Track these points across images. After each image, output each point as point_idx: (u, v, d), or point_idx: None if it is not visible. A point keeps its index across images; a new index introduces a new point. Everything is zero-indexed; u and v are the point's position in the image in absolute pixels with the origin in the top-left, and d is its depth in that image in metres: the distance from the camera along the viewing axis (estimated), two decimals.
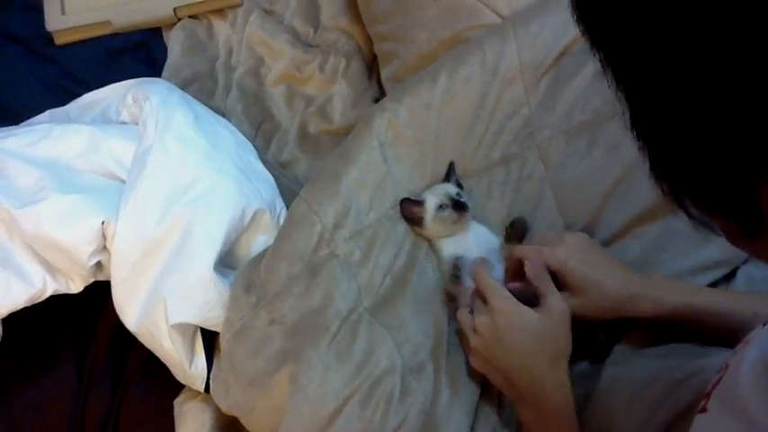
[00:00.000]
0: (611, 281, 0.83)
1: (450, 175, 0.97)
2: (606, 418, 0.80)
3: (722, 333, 0.76)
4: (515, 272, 0.87)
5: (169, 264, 0.93)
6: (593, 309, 0.83)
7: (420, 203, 0.94)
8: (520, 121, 0.99)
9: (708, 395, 0.58)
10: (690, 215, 0.43)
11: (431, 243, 0.96)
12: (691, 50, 0.34)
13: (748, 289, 0.92)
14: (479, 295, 0.83)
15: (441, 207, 0.92)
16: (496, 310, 0.80)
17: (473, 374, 0.87)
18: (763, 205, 0.38)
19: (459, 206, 0.91)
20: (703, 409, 0.57)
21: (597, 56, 0.39)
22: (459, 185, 0.97)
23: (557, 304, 0.80)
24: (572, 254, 0.84)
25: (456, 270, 0.90)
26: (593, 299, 0.83)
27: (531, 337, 0.79)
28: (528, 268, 0.83)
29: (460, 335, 0.88)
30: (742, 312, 0.69)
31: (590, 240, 0.89)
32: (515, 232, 0.93)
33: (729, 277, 0.95)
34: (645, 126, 0.40)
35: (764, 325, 0.56)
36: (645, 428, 0.76)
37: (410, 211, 0.94)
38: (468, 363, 0.86)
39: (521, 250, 0.87)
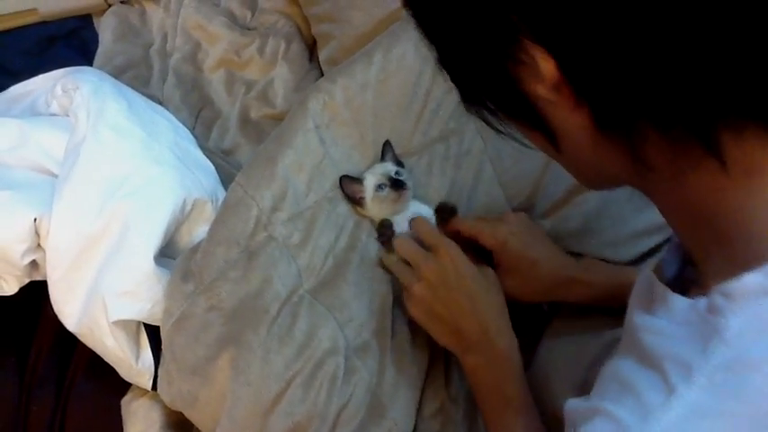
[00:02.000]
0: (546, 262, 0.84)
1: (385, 154, 0.96)
2: (544, 381, 0.81)
3: None
4: None
5: (107, 260, 0.91)
6: (527, 290, 0.84)
7: (359, 181, 0.93)
8: (457, 97, 0.98)
9: None
10: (493, 127, 0.53)
11: (373, 223, 0.95)
12: None
13: None
14: (425, 244, 0.83)
15: (379, 187, 0.91)
16: (445, 256, 0.79)
17: (415, 333, 0.86)
18: (529, 94, 0.46)
19: (397, 184, 0.91)
20: None
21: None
22: (400, 163, 0.96)
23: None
24: (512, 233, 0.85)
25: (383, 229, 0.90)
26: (528, 279, 0.84)
27: (478, 284, 0.79)
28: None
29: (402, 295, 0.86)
30: None
31: (530, 221, 0.90)
32: (443, 216, 0.92)
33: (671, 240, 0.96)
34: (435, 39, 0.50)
35: None
36: (581, 389, 0.77)
37: (350, 189, 0.93)
38: (411, 331, 0.87)
39: (459, 222, 0.87)
